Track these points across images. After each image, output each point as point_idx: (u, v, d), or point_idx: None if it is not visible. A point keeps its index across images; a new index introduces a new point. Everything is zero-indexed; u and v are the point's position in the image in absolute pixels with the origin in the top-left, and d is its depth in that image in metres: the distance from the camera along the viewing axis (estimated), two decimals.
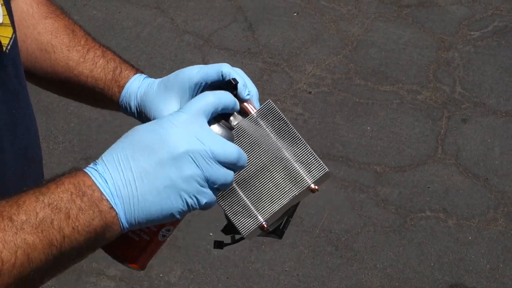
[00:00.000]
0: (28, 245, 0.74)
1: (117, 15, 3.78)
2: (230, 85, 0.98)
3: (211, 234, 2.76)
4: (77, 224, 0.77)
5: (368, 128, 3.25)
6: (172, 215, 0.82)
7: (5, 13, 0.95)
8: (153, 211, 0.80)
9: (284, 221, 1.01)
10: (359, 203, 2.91)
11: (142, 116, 1.06)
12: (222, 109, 0.89)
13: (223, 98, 0.89)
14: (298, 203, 0.99)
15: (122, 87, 1.09)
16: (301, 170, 0.96)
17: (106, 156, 0.82)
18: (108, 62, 1.11)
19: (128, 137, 0.83)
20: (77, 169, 0.82)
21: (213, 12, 3.85)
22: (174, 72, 1.03)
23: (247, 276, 2.63)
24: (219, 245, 1.05)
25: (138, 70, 1.12)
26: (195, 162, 0.81)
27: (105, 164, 0.81)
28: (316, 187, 0.96)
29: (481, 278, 2.67)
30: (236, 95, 0.98)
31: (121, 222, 0.80)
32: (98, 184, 0.79)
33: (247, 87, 1.00)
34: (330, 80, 3.48)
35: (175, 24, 3.76)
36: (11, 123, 0.96)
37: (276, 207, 0.95)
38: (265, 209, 0.96)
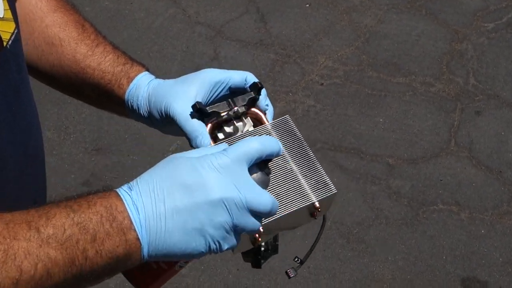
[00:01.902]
0: (50, 260, 0.73)
1: (129, 6, 3.77)
2: (255, 88, 0.96)
3: None
4: (101, 248, 0.76)
5: (381, 120, 3.23)
6: (192, 255, 0.81)
7: (7, 7, 0.93)
8: (176, 249, 0.79)
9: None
10: (371, 196, 2.90)
11: (147, 112, 1.03)
12: (267, 156, 0.86)
13: (269, 145, 0.86)
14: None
15: (132, 78, 1.07)
16: (307, 186, 0.92)
17: (142, 183, 0.80)
18: (118, 57, 1.09)
19: (167, 169, 0.81)
20: (110, 189, 0.80)
21: (225, 3, 3.83)
22: (196, 71, 1.02)
23: (258, 269, 2.62)
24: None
25: (149, 70, 1.10)
26: (227, 210, 0.79)
27: (140, 192, 0.79)
28: (318, 205, 0.91)
29: (493, 272, 2.65)
30: (255, 99, 0.97)
31: (143, 254, 0.79)
32: (129, 212, 0.78)
33: (268, 99, 1.00)
34: (342, 71, 3.46)
35: (187, 15, 3.74)
36: (11, 119, 0.94)
37: (273, 217, 0.88)
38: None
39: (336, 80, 3.42)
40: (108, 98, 1.09)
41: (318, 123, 3.20)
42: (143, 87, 1.05)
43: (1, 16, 0.92)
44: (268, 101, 0.99)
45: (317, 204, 0.91)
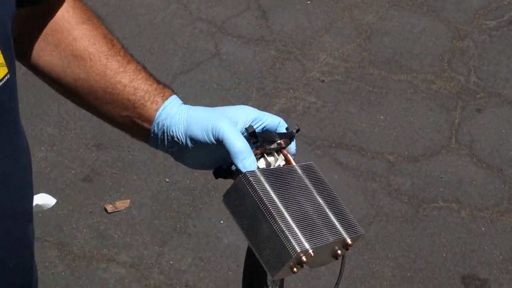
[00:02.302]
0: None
1: (130, 2, 3.77)
2: (291, 131, 1.02)
3: (222, 222, 2.75)
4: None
5: (382, 117, 3.22)
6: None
7: None
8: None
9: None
10: (371, 193, 2.90)
11: (182, 134, 1.03)
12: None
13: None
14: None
15: (167, 97, 1.06)
16: (338, 224, 0.96)
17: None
18: (150, 76, 1.08)
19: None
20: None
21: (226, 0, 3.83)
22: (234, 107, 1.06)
23: None
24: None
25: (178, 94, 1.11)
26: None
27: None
28: (350, 242, 0.95)
29: (493, 270, 2.65)
30: (287, 141, 1.03)
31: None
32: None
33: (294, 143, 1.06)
34: (343, 68, 3.46)
35: (188, 11, 3.74)
36: None
37: (317, 242, 0.90)
38: (309, 238, 0.90)
39: (337, 77, 3.42)
40: (133, 115, 1.06)
41: (319, 120, 3.20)
42: (177, 107, 1.05)
43: None
44: (295, 145, 1.06)
45: (349, 240, 0.95)
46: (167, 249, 2.67)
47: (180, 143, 1.02)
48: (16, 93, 0.94)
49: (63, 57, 1.06)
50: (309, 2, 3.82)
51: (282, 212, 0.90)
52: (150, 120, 1.05)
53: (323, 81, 3.39)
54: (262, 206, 0.89)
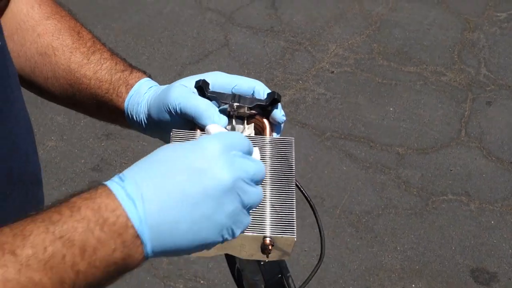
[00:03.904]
0: (35, 284, 0.63)
1: None
2: (270, 97, 0.89)
3: None
4: (94, 258, 0.66)
5: (391, 109, 3.21)
6: (203, 246, 0.73)
7: None
8: (185, 241, 0.70)
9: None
10: (380, 185, 2.89)
11: (145, 115, 0.96)
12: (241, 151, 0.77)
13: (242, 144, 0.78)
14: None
15: (131, 86, 0.99)
16: (268, 217, 0.82)
17: (137, 170, 0.70)
18: (116, 64, 1.01)
19: (164, 154, 0.72)
20: (98, 185, 0.70)
21: None
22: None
23: None
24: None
25: (150, 76, 1.02)
26: (238, 191, 0.72)
27: (136, 181, 0.69)
28: (269, 242, 0.81)
29: (502, 263, 2.65)
30: (264, 108, 0.89)
31: (146, 252, 0.69)
32: (124, 207, 0.67)
33: (283, 112, 0.92)
34: (353, 60, 3.45)
35: (198, 1, 3.73)
36: None
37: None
38: None
39: (346, 68, 3.40)
40: (108, 108, 1.00)
41: (328, 111, 3.19)
42: (143, 93, 0.97)
43: None
44: (283, 112, 0.92)
45: (268, 239, 0.81)
46: None
47: (149, 129, 0.97)
48: (10, 60, 0.91)
49: (29, 56, 1.01)
50: None
51: None
52: (121, 113, 1.00)
53: (332, 72, 3.38)
54: None
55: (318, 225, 0.93)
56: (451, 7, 3.74)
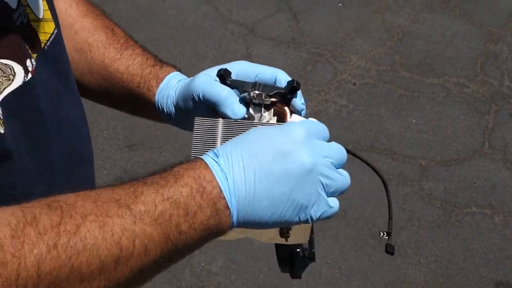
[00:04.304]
0: (146, 236, 0.71)
1: (162, 3, 3.78)
2: (289, 85, 0.91)
3: None
4: (194, 221, 0.74)
5: (413, 121, 3.20)
6: (281, 223, 0.79)
7: (46, 8, 0.91)
8: (265, 215, 0.77)
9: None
10: (403, 197, 2.88)
11: (173, 106, 1.00)
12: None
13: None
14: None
15: (161, 79, 1.03)
16: None
17: (229, 148, 0.77)
18: (147, 59, 1.06)
19: (253, 135, 0.79)
20: (195, 159, 0.78)
21: (258, 1, 3.82)
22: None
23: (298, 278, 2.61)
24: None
25: (181, 71, 1.06)
26: (318, 175, 0.78)
27: (227, 157, 0.76)
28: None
29: None
30: (284, 96, 0.91)
31: (232, 222, 0.77)
32: (218, 180, 0.75)
33: (303, 99, 0.95)
34: (375, 71, 3.44)
35: (219, 13, 3.74)
36: (56, 122, 0.92)
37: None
38: None
39: (368, 80, 3.40)
40: (140, 102, 1.05)
41: (350, 123, 3.18)
42: (172, 86, 1.02)
43: (41, 17, 0.90)
44: (303, 101, 0.95)
45: None
46: (198, 251, 2.66)
47: (178, 120, 1.00)
48: (64, 47, 0.97)
49: (67, 53, 1.05)
50: (340, 4, 3.81)
51: None
52: (152, 104, 1.04)
53: (354, 84, 3.37)
54: None
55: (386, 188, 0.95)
56: (474, 19, 3.72)
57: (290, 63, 3.47)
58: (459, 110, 3.25)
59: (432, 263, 2.66)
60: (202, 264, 2.64)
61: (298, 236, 0.91)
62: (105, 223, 0.69)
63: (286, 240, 0.90)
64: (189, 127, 0.95)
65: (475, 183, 2.93)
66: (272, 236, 0.90)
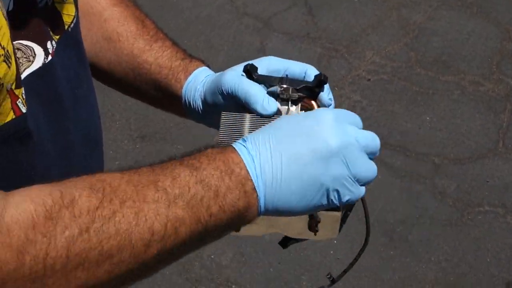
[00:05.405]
0: (178, 219, 0.73)
1: None
2: (317, 79, 0.90)
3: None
4: (224, 203, 0.75)
5: (428, 118, 3.18)
6: (310, 208, 0.80)
7: None
8: (293, 199, 0.78)
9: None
10: (415, 194, 2.86)
11: (201, 101, 1.00)
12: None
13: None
14: None
15: (190, 73, 1.03)
16: None
17: (256, 134, 0.79)
18: (177, 52, 1.06)
19: (281, 121, 0.81)
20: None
21: None
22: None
23: (299, 263, 2.61)
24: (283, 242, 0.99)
25: (209, 66, 1.07)
26: (345, 159, 0.79)
27: (255, 141, 0.78)
28: (315, 219, 0.88)
29: None
30: (312, 90, 0.91)
31: (259, 205, 0.78)
32: (245, 162, 0.77)
33: (331, 94, 0.96)
34: (390, 68, 3.42)
35: (235, 6, 3.73)
36: (75, 105, 0.93)
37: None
38: None
39: (383, 76, 3.38)
40: (166, 94, 1.06)
41: (364, 119, 3.13)
42: (200, 81, 1.01)
43: None
44: (331, 96, 0.95)
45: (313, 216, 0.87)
46: None
47: (205, 116, 1.00)
48: (80, 28, 0.97)
49: (95, 41, 1.06)
50: None
51: None
52: (178, 99, 1.04)
53: (369, 80, 3.36)
54: None
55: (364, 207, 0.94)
56: (490, 17, 3.69)
57: (305, 57, 3.45)
58: (474, 108, 3.23)
59: (443, 261, 2.65)
60: (212, 257, 2.64)
61: (327, 230, 0.90)
62: (140, 209, 0.72)
63: (315, 234, 0.89)
64: (214, 123, 0.96)
65: (488, 182, 2.91)
66: (300, 230, 0.89)
